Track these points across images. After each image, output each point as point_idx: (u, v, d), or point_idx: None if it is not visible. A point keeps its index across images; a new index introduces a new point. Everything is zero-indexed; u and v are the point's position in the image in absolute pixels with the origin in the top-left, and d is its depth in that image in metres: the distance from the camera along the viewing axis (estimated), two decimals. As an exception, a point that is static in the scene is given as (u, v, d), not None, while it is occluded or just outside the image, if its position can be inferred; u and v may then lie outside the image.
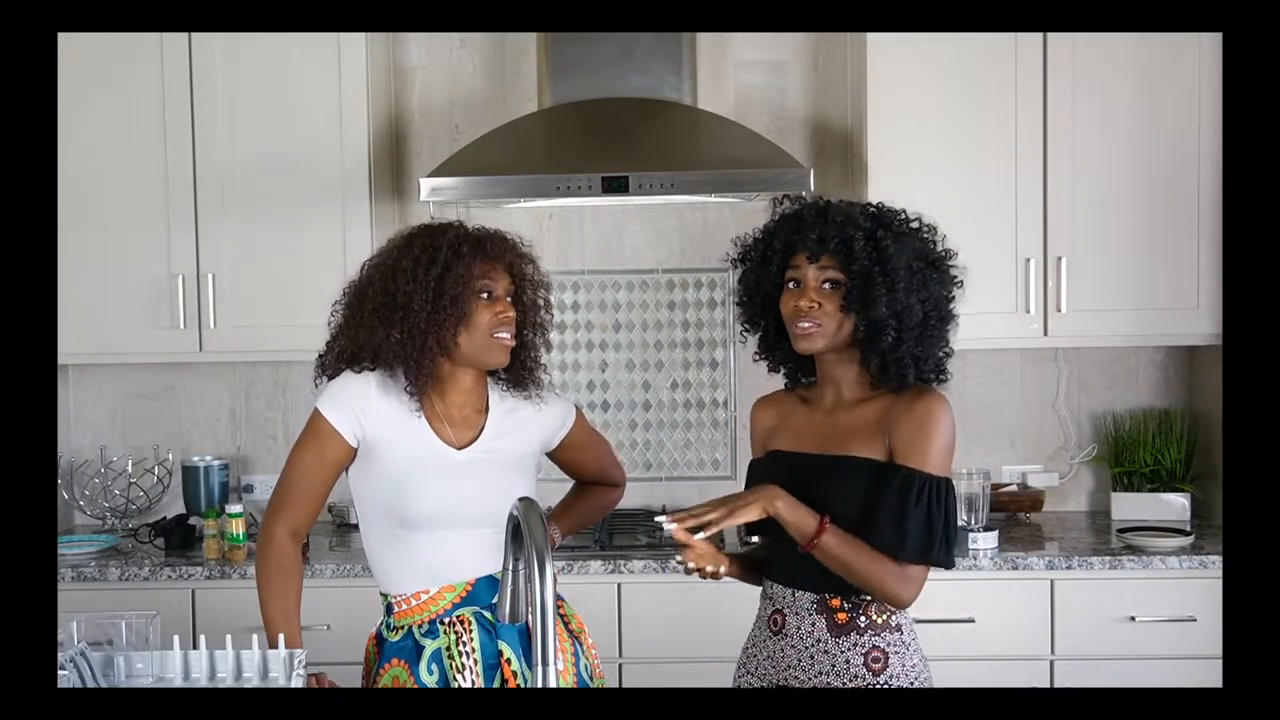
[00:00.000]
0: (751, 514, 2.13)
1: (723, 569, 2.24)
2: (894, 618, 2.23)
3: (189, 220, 3.58)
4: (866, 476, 2.17)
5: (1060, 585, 3.32)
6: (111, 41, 3.52)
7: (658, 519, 2.18)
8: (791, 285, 2.23)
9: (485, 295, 2.40)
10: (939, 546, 2.15)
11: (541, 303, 2.52)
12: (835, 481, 2.19)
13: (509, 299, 2.44)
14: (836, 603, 2.21)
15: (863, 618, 2.21)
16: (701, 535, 2.14)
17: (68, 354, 3.50)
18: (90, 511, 3.89)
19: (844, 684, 2.18)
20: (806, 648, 2.21)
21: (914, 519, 2.13)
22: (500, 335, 2.42)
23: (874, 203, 2.29)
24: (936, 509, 2.15)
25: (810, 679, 2.20)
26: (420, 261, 2.38)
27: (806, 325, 2.20)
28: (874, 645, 2.20)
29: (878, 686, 2.18)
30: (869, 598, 2.20)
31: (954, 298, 2.26)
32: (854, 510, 2.16)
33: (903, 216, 2.25)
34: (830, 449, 2.23)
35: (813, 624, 2.22)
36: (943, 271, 2.23)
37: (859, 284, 2.16)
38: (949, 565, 2.20)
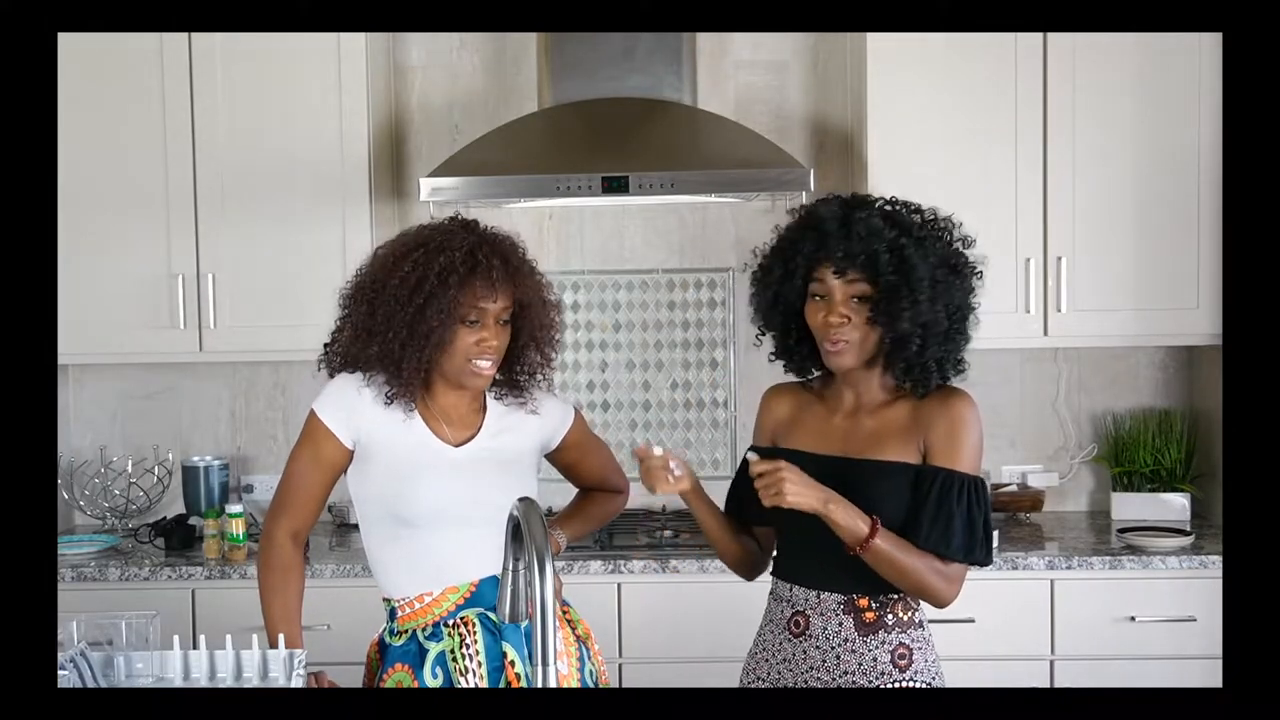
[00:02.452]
0: (805, 503, 2.10)
1: (682, 486, 2.24)
2: (917, 615, 2.24)
3: (189, 220, 3.58)
4: (905, 480, 2.18)
5: (1060, 585, 3.32)
6: (111, 42, 3.52)
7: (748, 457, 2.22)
8: (817, 298, 2.21)
9: (473, 321, 2.36)
10: (980, 545, 2.17)
11: (547, 322, 2.47)
12: (873, 485, 2.18)
13: (501, 322, 2.40)
14: (864, 602, 2.21)
15: (889, 616, 2.21)
16: (762, 480, 2.12)
17: (68, 354, 3.50)
18: (90, 511, 3.89)
19: (870, 683, 2.19)
20: (833, 648, 2.21)
21: (958, 519, 2.15)
22: (478, 363, 2.38)
23: (890, 200, 2.25)
24: (976, 508, 2.17)
25: (835, 679, 2.20)
26: (406, 282, 2.33)
27: (837, 342, 2.18)
28: (900, 642, 2.21)
29: (903, 683, 2.20)
30: (895, 596, 2.21)
31: (974, 291, 2.25)
32: (894, 513, 2.16)
33: (920, 217, 2.23)
34: (855, 452, 2.22)
35: (839, 624, 2.21)
36: (964, 275, 2.22)
37: (885, 298, 2.15)
38: (987, 562, 2.22)
